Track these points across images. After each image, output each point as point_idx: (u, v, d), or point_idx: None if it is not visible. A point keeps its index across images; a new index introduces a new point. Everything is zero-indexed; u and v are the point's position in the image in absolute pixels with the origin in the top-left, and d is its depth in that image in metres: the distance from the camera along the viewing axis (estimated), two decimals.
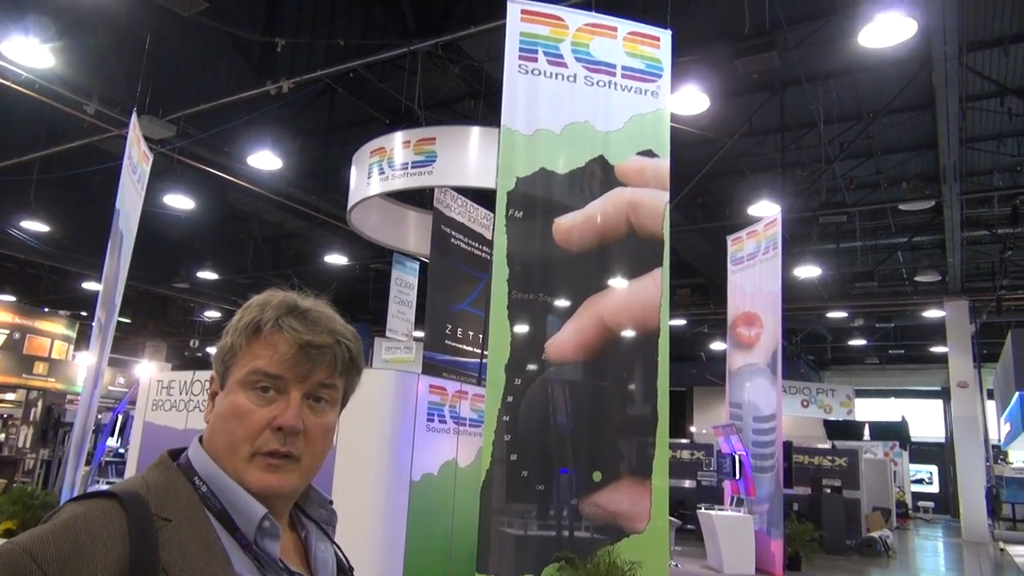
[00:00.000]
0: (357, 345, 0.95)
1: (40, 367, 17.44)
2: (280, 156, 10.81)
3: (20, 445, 13.01)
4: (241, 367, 0.89)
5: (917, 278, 15.43)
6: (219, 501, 0.85)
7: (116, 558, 0.74)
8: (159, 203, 12.39)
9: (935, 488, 25.71)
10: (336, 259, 16.37)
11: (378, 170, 7.93)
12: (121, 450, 11.65)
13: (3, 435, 15.63)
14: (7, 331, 16.89)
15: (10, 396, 17.99)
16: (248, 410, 0.87)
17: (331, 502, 1.00)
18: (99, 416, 10.63)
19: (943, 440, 24.88)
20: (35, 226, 13.77)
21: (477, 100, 11.20)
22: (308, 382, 0.90)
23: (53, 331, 18.24)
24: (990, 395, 18.77)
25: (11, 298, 18.62)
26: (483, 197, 8.81)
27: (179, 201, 12.58)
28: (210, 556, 0.80)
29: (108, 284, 7.60)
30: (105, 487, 0.85)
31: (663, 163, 5.95)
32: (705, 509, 10.58)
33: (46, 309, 18.95)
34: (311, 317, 0.91)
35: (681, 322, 19.55)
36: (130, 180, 7.55)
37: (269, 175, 11.57)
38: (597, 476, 5.47)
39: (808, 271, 14.69)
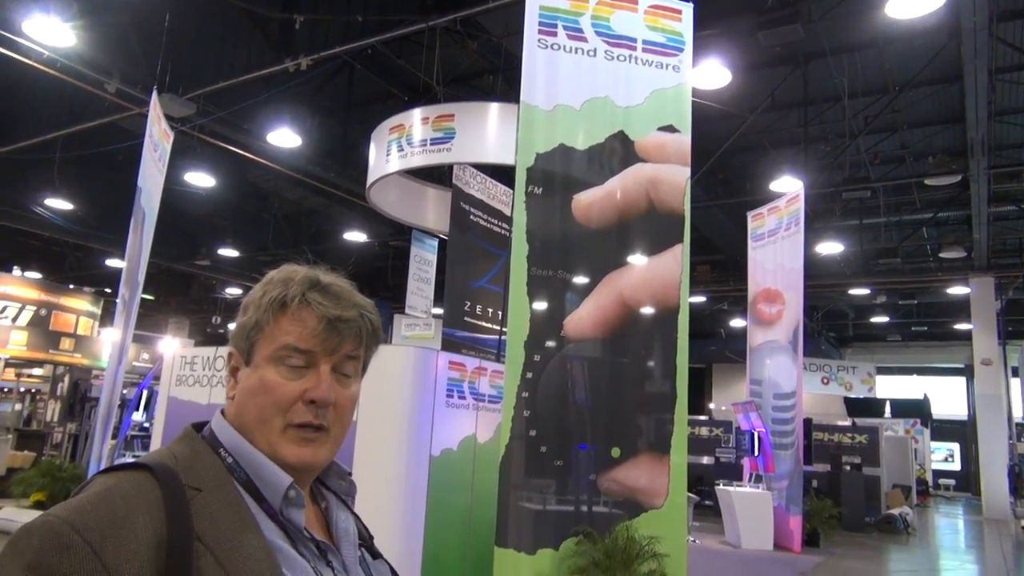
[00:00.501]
0: (377, 317, 0.98)
1: (66, 343, 17.73)
2: (299, 133, 10.83)
3: (48, 419, 13.29)
4: (269, 343, 0.90)
5: (942, 254, 15.20)
6: (244, 472, 0.87)
7: (155, 527, 0.75)
8: (180, 181, 12.48)
9: (956, 466, 25.55)
10: (355, 236, 16.43)
11: (397, 147, 7.92)
12: (146, 424, 11.86)
13: (31, 409, 15.97)
14: (34, 307, 17.17)
15: (37, 371, 18.36)
16: (278, 384, 0.89)
17: (350, 473, 1.01)
18: (124, 391, 10.81)
19: (965, 418, 24.67)
20: (59, 204, 13.94)
21: (496, 76, 11.13)
22: (336, 355, 0.91)
23: (78, 307, 18.51)
24: (1015, 373, 18.55)
25: (37, 275, 18.91)
26: (502, 174, 8.79)
27: (200, 179, 12.66)
28: (242, 524, 0.81)
29: (131, 261, 7.70)
30: (131, 459, 0.86)
31: (684, 139, 5.88)
32: (723, 485, 10.60)
33: (71, 286, 19.22)
34: (334, 291, 0.93)
35: (701, 299, 19.44)
36: (151, 158, 7.60)
37: (288, 152, 11.60)
38: (616, 452, 5.48)
39: (830, 247, 14.52)
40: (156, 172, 7.88)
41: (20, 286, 17.36)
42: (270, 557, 0.81)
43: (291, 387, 0.89)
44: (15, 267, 18.02)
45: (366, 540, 1.02)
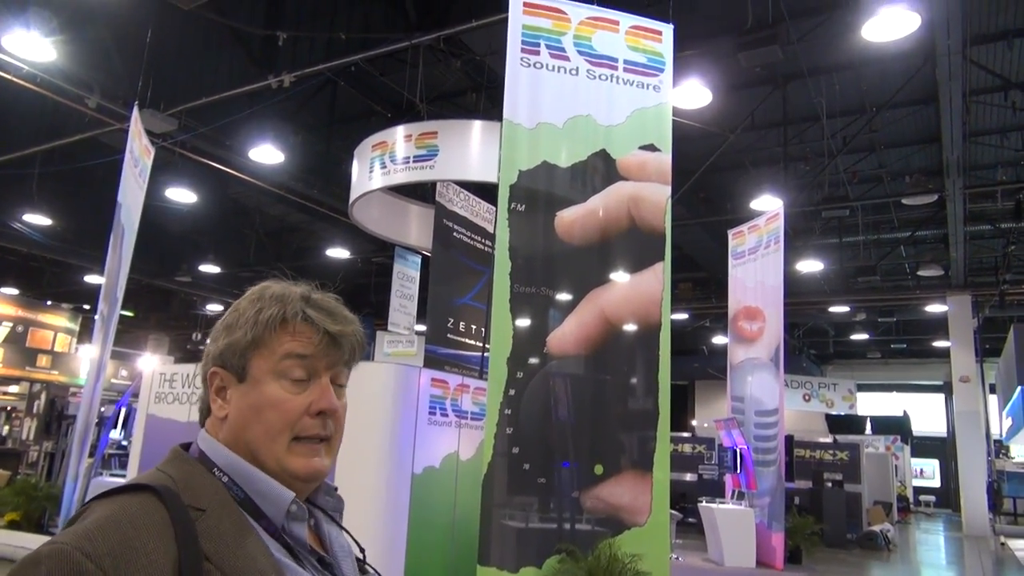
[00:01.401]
0: (362, 330, 1.01)
1: (43, 360, 17.49)
2: (282, 150, 10.81)
3: (24, 437, 13.07)
4: (268, 358, 0.91)
5: (920, 272, 15.41)
6: (241, 490, 0.87)
7: (167, 548, 0.74)
8: (161, 196, 12.39)
9: (936, 482, 25.74)
10: (338, 253, 16.38)
11: (380, 164, 7.93)
12: (124, 442, 11.69)
13: (7, 427, 15.69)
14: (10, 324, 16.94)
15: (13, 388, 18.07)
16: (284, 399, 0.90)
17: (336, 489, 1.02)
18: (102, 409, 10.66)
19: (945, 435, 24.89)
20: (37, 219, 13.79)
21: (479, 94, 11.19)
22: (335, 369, 0.94)
23: (56, 324, 18.28)
24: (992, 390, 18.78)
25: (14, 291, 18.66)
26: (485, 191, 8.81)
27: (181, 195, 12.59)
28: (249, 542, 0.81)
29: (110, 277, 7.62)
30: (110, 479, 0.85)
31: (665, 157, 5.94)
32: (706, 502, 10.61)
33: (49, 302, 18.98)
34: (327, 307, 0.95)
35: (683, 316, 19.55)
36: (132, 174, 7.56)
37: (271, 169, 11.57)
38: (599, 469, 5.48)
39: (810, 265, 14.67)
40: (136, 188, 7.83)
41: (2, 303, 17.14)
42: (279, 572, 0.81)
43: (296, 401, 0.90)
44: None
45: (357, 555, 1.03)
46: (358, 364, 1.03)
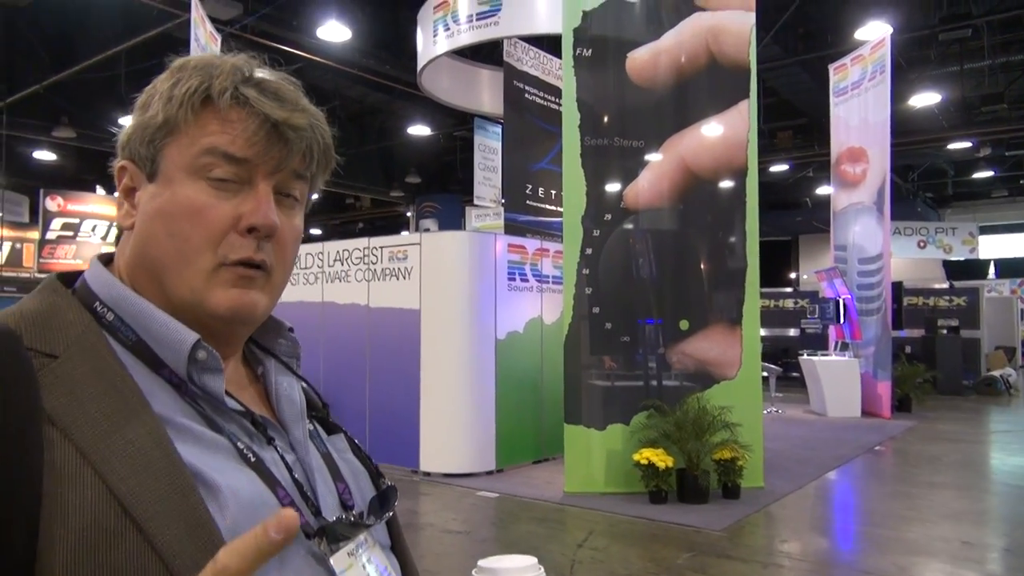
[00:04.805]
0: (329, 131, 0.75)
1: None
2: (348, 25, 10.52)
3: None
4: (186, 148, 0.66)
5: None
6: (133, 332, 0.65)
7: None
8: None
9: None
10: (419, 130, 16.22)
11: (443, 26, 7.58)
12: None
13: None
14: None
15: None
16: (205, 205, 0.65)
17: (291, 329, 0.80)
18: None
19: None
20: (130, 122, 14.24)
21: None
22: (280, 173, 0.68)
23: None
24: None
25: None
26: (557, 46, 8.31)
27: None
28: (118, 397, 0.60)
29: None
30: None
31: None
32: (807, 355, 10.32)
33: None
34: (273, 87, 0.69)
35: (783, 167, 18.41)
36: None
37: (341, 47, 11.35)
38: (684, 325, 5.32)
39: (926, 99, 13.31)
40: None
41: (106, 204, 18.18)
42: (161, 442, 0.59)
43: (222, 209, 0.65)
44: (98, 187, 18.80)
45: (319, 411, 0.81)
46: (323, 178, 0.76)
